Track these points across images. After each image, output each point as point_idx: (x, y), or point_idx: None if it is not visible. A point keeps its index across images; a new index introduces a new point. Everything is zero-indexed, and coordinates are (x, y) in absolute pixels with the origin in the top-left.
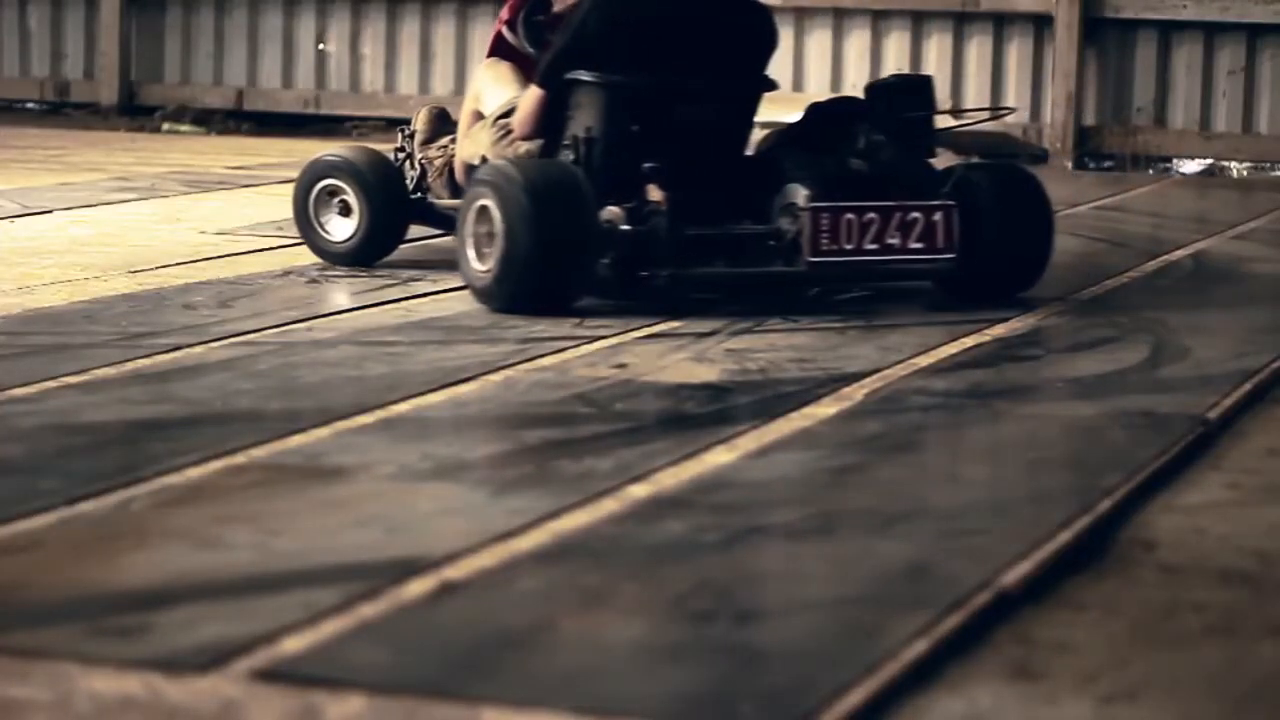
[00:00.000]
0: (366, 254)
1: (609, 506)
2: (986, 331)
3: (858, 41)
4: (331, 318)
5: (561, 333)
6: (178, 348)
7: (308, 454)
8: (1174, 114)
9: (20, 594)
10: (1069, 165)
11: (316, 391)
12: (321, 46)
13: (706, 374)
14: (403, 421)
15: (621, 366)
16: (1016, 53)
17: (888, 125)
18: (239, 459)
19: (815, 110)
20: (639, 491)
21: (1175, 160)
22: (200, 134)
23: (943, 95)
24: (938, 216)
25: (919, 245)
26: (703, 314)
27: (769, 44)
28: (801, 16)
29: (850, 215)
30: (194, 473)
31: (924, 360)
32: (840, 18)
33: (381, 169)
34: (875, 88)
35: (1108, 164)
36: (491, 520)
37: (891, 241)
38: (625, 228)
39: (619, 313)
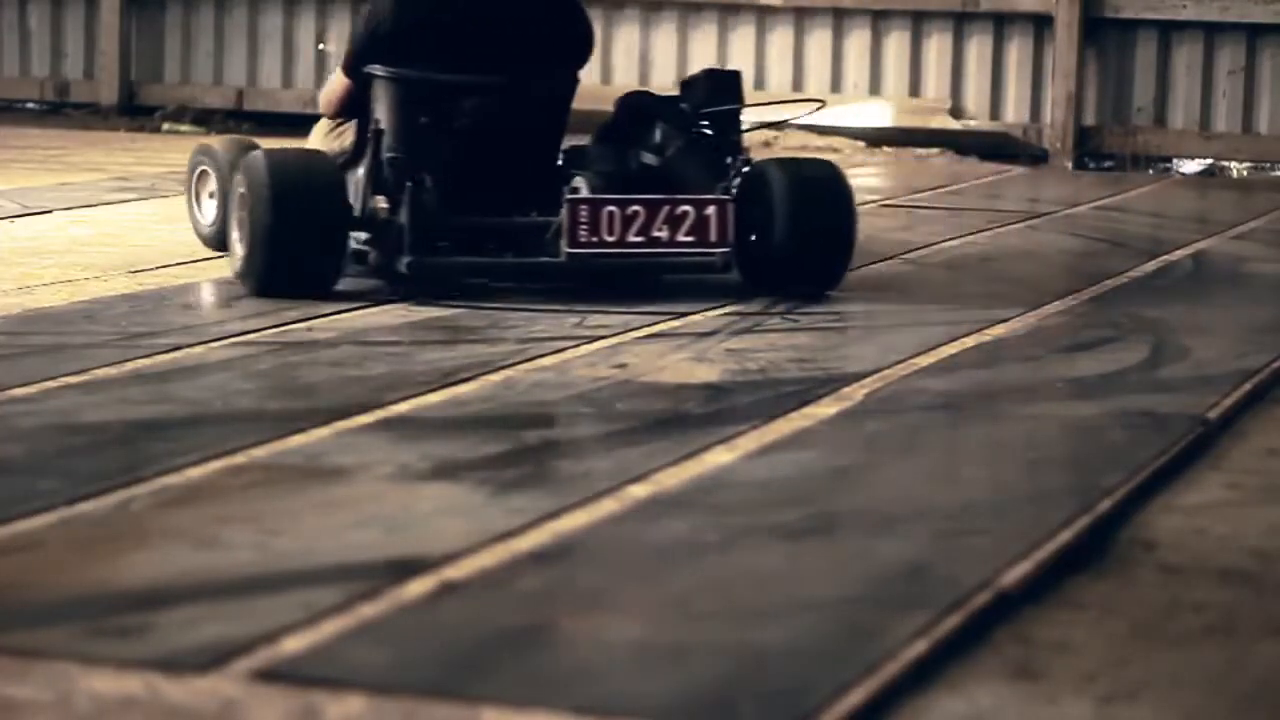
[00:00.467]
0: (225, 239)
1: (609, 506)
2: (986, 331)
3: (858, 41)
4: (331, 318)
5: (561, 333)
6: (178, 348)
7: (308, 454)
8: (1174, 114)
9: (20, 594)
10: (1069, 165)
11: (316, 391)
12: (321, 46)
13: (706, 374)
14: (403, 421)
15: (621, 366)
16: (1016, 53)
17: (691, 120)
18: (239, 459)
19: (623, 104)
20: (639, 491)
21: (1175, 160)
22: (200, 134)
23: (942, 95)
24: (710, 210)
25: (689, 239)
26: (702, 314)
27: (579, 42)
28: (801, 16)
29: (612, 208)
30: (194, 473)
31: (924, 360)
32: (840, 18)
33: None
34: (685, 83)
35: (1108, 164)
36: (491, 520)
37: (658, 235)
38: (385, 217)
39: (617, 312)
